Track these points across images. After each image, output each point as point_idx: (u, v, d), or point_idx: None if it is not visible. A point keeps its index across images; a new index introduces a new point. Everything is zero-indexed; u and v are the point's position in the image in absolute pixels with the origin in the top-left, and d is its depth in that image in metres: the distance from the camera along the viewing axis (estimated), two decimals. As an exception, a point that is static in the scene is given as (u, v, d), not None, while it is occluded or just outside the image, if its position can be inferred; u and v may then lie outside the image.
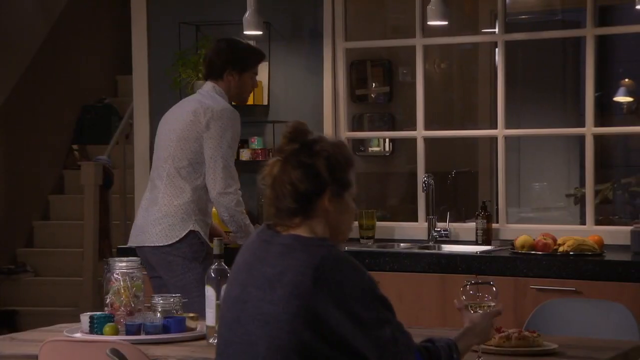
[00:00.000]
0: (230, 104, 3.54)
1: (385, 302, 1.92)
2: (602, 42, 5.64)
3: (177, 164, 3.44)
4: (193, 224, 3.40)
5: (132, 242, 3.52)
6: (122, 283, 2.63)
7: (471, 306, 2.15)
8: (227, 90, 3.50)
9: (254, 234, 2.05)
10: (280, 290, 1.89)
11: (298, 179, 1.93)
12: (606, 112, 5.77)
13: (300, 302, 1.86)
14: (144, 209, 3.50)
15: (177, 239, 3.38)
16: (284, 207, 1.95)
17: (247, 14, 4.28)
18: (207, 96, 3.48)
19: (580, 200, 4.94)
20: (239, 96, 3.56)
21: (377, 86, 5.69)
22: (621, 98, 5.97)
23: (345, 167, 1.97)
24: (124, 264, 2.66)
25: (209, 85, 3.51)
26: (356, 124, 5.51)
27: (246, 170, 4.47)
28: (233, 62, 3.47)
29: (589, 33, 4.02)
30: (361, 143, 5.67)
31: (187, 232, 3.39)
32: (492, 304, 2.14)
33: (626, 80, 6.00)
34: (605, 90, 5.78)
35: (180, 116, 3.48)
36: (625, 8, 4.33)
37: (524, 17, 5.44)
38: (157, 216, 3.42)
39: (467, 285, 2.18)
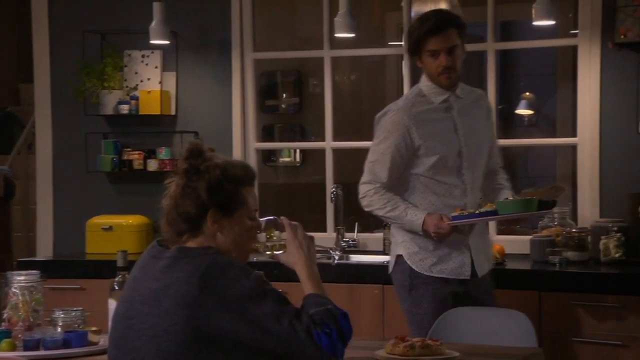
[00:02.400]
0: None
1: (277, 295, 1.90)
2: (504, 56, 5.81)
3: None
4: (400, 246, 3.09)
5: None
6: (20, 297, 2.56)
7: (272, 250, 2.07)
8: (426, 75, 3.14)
9: (145, 252, 2.02)
10: (166, 302, 1.87)
11: (181, 201, 1.95)
12: (508, 124, 5.93)
13: (188, 311, 1.84)
14: None
15: (392, 268, 3.11)
16: (174, 227, 1.96)
17: (153, 24, 4.24)
18: (411, 92, 3.21)
19: (484, 210, 5.05)
20: (433, 80, 3.13)
21: (288, 97, 5.71)
22: (522, 111, 6.15)
23: (230, 187, 1.95)
24: (22, 277, 2.58)
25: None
26: (267, 134, 5.51)
27: (153, 181, 4.42)
28: (407, 47, 3.16)
29: (490, 47, 4.13)
30: (272, 153, 5.67)
31: (395, 256, 3.10)
32: (282, 238, 2.05)
33: (527, 93, 6.18)
34: (507, 103, 5.94)
35: None
36: (525, 23, 4.46)
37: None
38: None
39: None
